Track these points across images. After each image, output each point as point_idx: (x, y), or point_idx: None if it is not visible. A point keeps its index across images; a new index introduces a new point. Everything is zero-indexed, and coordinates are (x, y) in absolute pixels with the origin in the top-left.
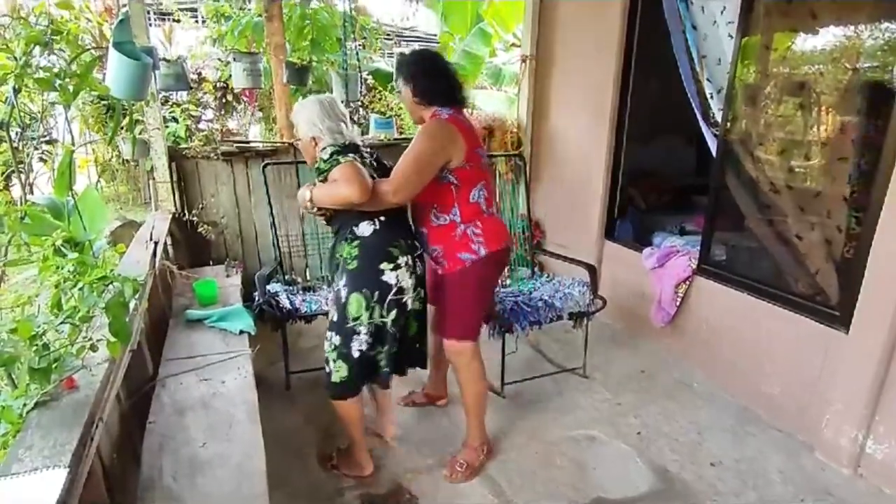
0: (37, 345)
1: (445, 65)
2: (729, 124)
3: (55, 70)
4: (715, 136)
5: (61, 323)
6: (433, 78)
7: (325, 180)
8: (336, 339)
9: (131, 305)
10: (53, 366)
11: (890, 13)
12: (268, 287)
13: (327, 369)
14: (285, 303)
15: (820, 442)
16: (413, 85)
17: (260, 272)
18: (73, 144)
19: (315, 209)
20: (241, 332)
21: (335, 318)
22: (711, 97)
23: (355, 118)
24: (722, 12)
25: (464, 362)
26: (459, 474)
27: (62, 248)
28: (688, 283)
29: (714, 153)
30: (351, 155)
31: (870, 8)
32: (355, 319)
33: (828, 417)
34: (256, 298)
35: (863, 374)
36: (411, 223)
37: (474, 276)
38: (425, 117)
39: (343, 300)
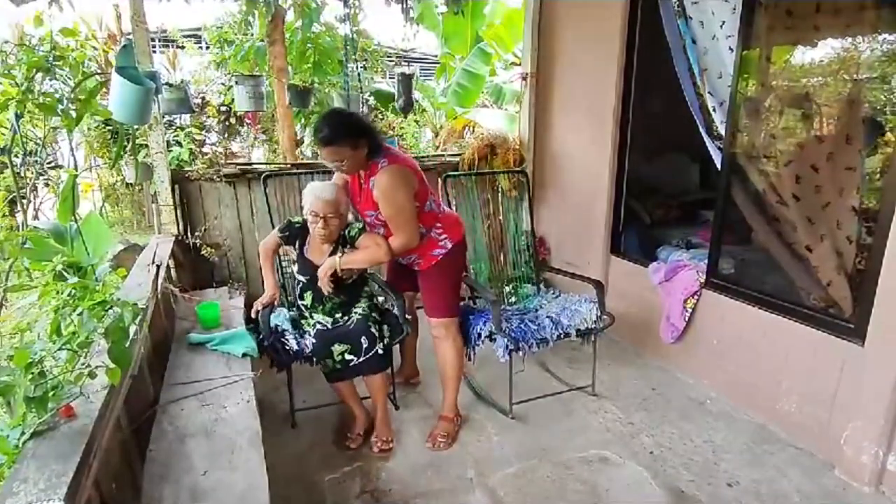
0: (33, 373)
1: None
2: (733, 137)
3: (58, 95)
4: (719, 149)
5: (59, 349)
6: (373, 131)
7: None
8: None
9: (132, 330)
10: (51, 394)
11: (890, 25)
12: (272, 321)
13: (381, 350)
14: (292, 344)
15: (840, 459)
16: (366, 143)
17: (264, 311)
18: (76, 169)
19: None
20: (244, 355)
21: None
22: (714, 110)
23: None
24: (721, 26)
25: (450, 336)
26: (443, 444)
27: (64, 273)
28: (696, 297)
29: (719, 166)
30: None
31: (872, 19)
32: None
33: (847, 434)
34: (262, 339)
35: (881, 387)
36: None
37: (448, 265)
38: (367, 166)
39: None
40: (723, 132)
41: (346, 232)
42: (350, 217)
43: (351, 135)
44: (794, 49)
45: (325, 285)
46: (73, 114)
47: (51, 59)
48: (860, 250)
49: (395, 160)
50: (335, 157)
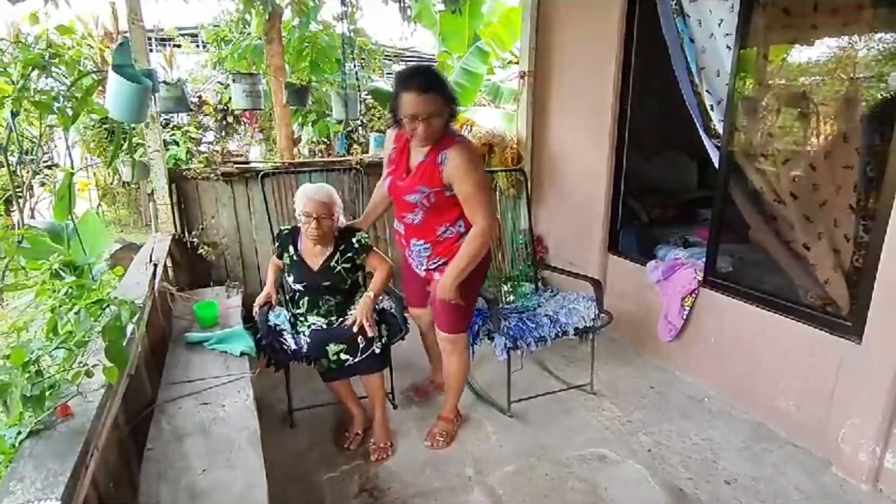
0: (30, 371)
1: None
2: (730, 136)
3: (54, 94)
4: (717, 147)
5: (56, 348)
6: (457, 101)
7: (353, 264)
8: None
9: (129, 329)
10: (48, 393)
11: (888, 24)
12: (270, 320)
13: (378, 350)
14: (290, 343)
15: (838, 457)
16: (450, 110)
17: (261, 310)
18: (72, 168)
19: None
20: (242, 354)
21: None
22: (712, 109)
23: (355, 137)
24: (719, 24)
25: (457, 351)
26: (442, 443)
27: (61, 272)
28: (694, 295)
29: (716, 165)
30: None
31: (869, 18)
32: None
33: (844, 431)
34: (260, 339)
35: (878, 385)
36: (405, 242)
37: (476, 274)
38: (441, 137)
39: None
40: (720, 131)
41: (357, 240)
42: (342, 219)
43: (446, 90)
44: (792, 48)
45: (369, 328)
46: (70, 112)
47: (47, 56)
48: (858, 248)
49: (467, 140)
50: (428, 109)
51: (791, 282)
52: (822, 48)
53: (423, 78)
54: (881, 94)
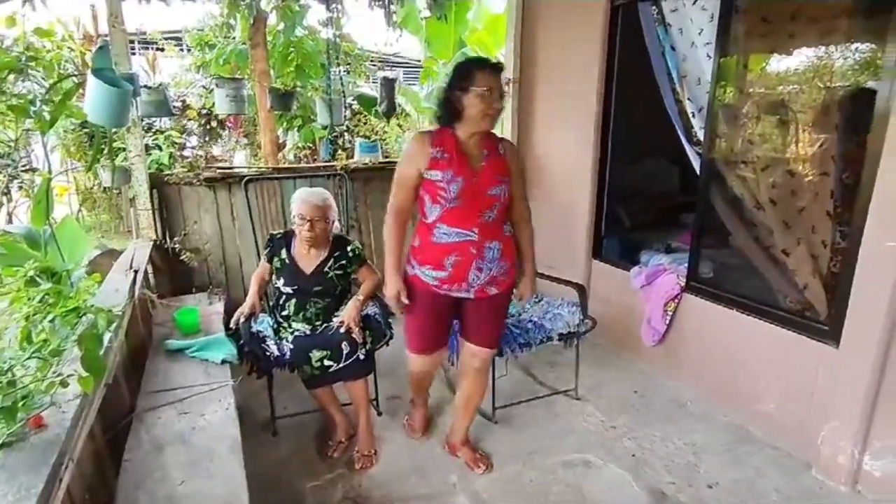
0: (2, 382)
1: None
2: (711, 143)
3: (31, 97)
4: (698, 154)
5: (29, 357)
6: None
7: (344, 272)
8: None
9: (106, 337)
10: (20, 404)
11: (863, 34)
12: (253, 327)
13: (362, 356)
14: (273, 349)
15: (817, 459)
16: None
17: (245, 320)
18: (50, 172)
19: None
20: (224, 361)
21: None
22: (693, 116)
23: (340, 142)
24: (700, 33)
25: (488, 367)
26: (487, 462)
27: (37, 279)
28: (676, 300)
29: (698, 171)
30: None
31: (845, 28)
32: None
33: (823, 434)
34: (243, 346)
35: (855, 388)
36: (476, 249)
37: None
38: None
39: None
40: (702, 138)
41: (351, 249)
42: (337, 225)
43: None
44: (771, 56)
45: (357, 332)
46: (47, 116)
47: (24, 59)
48: (835, 254)
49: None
50: (498, 87)
51: (771, 287)
52: (800, 57)
53: (492, 60)
54: (856, 103)
